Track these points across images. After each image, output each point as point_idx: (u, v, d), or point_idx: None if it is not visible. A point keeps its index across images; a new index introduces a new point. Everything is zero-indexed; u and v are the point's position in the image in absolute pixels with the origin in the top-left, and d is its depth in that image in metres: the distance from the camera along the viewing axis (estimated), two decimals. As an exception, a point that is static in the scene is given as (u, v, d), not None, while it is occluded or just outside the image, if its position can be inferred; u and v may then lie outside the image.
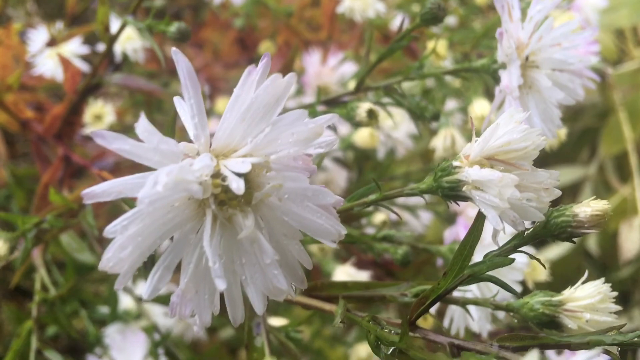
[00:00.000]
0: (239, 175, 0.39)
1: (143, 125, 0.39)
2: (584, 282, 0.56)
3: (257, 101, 0.41)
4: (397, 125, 1.08)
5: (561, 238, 0.51)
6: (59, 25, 1.24)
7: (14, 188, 1.19)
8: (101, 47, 1.16)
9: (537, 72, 0.69)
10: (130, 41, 1.12)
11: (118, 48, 1.22)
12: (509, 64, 0.68)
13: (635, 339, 0.49)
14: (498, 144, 0.50)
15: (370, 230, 1.08)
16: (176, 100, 0.45)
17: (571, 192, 1.88)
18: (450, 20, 1.34)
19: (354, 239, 0.76)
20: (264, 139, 0.42)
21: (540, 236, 0.52)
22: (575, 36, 0.69)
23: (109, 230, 0.38)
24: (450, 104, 1.15)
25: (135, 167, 0.75)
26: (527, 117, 0.67)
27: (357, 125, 0.73)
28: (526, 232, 0.52)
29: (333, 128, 0.89)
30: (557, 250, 1.74)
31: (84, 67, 1.14)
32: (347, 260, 1.02)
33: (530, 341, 0.52)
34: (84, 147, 1.15)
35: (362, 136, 1.01)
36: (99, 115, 1.16)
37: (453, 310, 0.78)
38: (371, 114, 0.71)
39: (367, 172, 1.12)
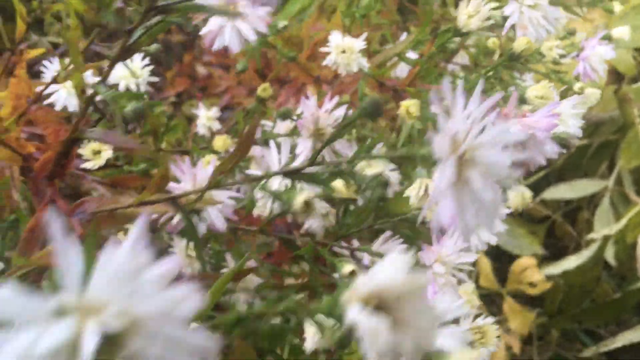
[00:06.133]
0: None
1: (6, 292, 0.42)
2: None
3: (121, 267, 0.44)
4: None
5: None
6: (68, 60, 1.29)
7: (21, 215, 1.26)
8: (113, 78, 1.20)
9: (472, 170, 0.68)
10: (125, 79, 1.16)
11: (122, 84, 1.26)
12: (442, 163, 0.68)
13: None
14: (380, 286, 0.51)
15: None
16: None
17: (590, 205, 1.86)
18: (464, 60, 1.32)
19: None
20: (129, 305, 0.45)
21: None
22: (511, 135, 0.68)
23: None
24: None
25: (111, 217, 0.77)
26: (459, 213, 0.68)
27: (293, 214, 0.74)
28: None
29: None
30: (575, 260, 1.72)
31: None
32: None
33: None
34: (83, 180, 1.20)
35: (338, 187, 1.03)
36: (97, 151, 1.21)
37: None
38: (308, 206, 0.72)
39: (346, 216, 1.14)
